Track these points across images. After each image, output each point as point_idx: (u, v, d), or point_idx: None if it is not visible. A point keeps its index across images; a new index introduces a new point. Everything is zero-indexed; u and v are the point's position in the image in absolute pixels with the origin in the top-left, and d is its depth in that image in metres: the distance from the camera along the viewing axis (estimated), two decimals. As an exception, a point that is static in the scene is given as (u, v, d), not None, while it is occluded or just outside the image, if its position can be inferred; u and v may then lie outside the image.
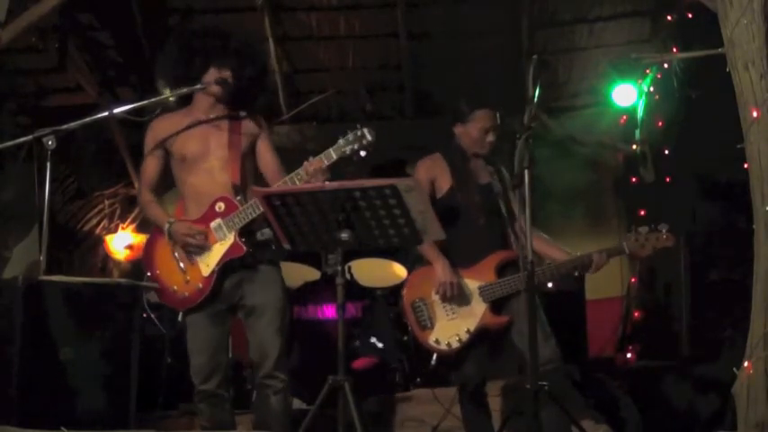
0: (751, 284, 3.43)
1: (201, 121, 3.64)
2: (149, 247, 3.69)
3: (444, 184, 3.91)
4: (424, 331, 3.83)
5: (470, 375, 3.85)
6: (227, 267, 3.55)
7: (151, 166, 3.68)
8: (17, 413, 3.46)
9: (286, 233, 3.14)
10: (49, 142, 3.49)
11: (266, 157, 3.69)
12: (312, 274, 6.04)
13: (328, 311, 5.66)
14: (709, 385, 4.83)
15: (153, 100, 3.83)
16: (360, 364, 5.44)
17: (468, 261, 3.82)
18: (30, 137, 3.53)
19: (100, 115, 3.80)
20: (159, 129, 3.66)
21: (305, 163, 3.44)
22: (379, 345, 5.52)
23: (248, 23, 6.70)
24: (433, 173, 3.92)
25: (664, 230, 3.71)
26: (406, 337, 5.61)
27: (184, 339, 3.68)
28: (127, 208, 7.84)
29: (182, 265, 3.56)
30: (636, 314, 6.85)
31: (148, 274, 3.67)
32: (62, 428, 3.29)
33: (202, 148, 3.59)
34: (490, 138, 3.87)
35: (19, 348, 3.55)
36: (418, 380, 5.49)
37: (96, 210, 7.74)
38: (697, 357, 5.67)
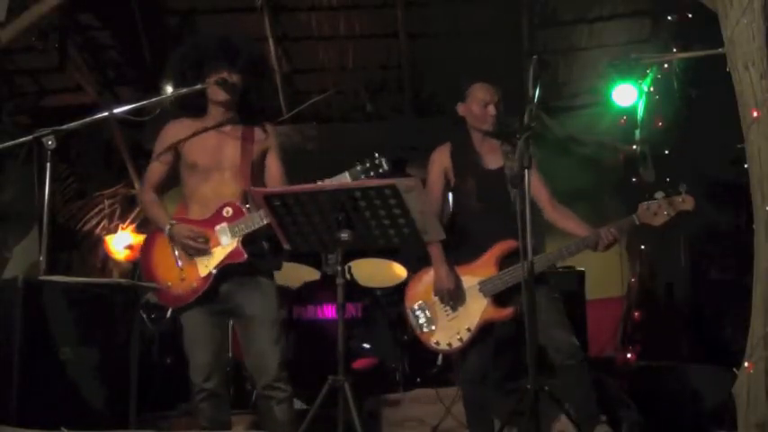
0: (751, 284, 3.43)
1: (215, 130, 3.66)
2: (147, 245, 3.70)
3: (454, 173, 3.92)
4: (424, 333, 3.86)
5: (472, 368, 3.86)
6: (225, 272, 3.55)
7: (159, 168, 3.71)
8: (17, 413, 3.46)
9: (286, 233, 3.14)
10: (49, 142, 3.50)
11: (272, 170, 3.73)
12: (312, 274, 6.04)
13: (328, 311, 5.65)
14: (710, 385, 4.83)
15: (153, 100, 3.84)
16: (360, 364, 5.44)
17: (469, 252, 3.82)
18: (30, 137, 3.53)
19: (100, 115, 3.81)
20: (172, 132, 3.68)
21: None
22: (379, 345, 5.52)
23: (248, 23, 6.70)
24: (444, 163, 3.93)
25: (683, 191, 3.58)
26: (406, 337, 5.61)
27: (173, 337, 3.69)
28: (127, 208, 7.84)
29: (179, 262, 3.57)
30: (636, 314, 6.85)
31: (144, 271, 3.67)
32: (62, 428, 3.29)
33: (215, 157, 3.62)
34: (491, 111, 3.83)
35: (19, 348, 3.55)
36: (418, 380, 5.49)
37: (96, 210, 7.74)
38: (697, 357, 5.67)
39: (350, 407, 2.95)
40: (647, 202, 3.62)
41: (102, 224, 7.78)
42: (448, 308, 3.82)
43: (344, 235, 3.00)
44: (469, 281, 3.81)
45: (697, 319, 6.14)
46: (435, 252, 3.81)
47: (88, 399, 3.69)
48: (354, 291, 5.65)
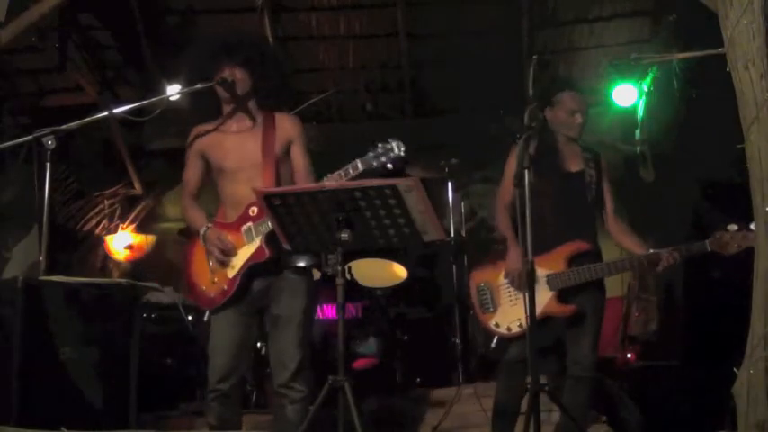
0: (751, 284, 3.43)
1: (234, 131, 3.66)
2: (189, 249, 3.72)
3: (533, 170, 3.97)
4: (485, 314, 3.92)
5: (516, 354, 3.85)
6: (253, 271, 3.54)
7: (190, 175, 3.72)
8: (17, 413, 3.46)
9: (286, 233, 3.14)
10: (49, 142, 3.50)
11: (297, 162, 3.69)
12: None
13: (328, 311, 5.65)
14: (710, 385, 4.83)
15: (153, 100, 3.84)
16: (360, 364, 5.44)
17: (539, 246, 3.81)
18: (30, 137, 3.53)
19: (100, 115, 3.81)
20: (197, 139, 3.69)
21: (328, 176, 3.43)
22: (379, 345, 5.52)
23: (248, 23, 6.70)
24: None
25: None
26: (406, 337, 5.61)
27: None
28: (127, 208, 7.85)
29: (211, 265, 3.59)
30: (636, 314, 6.85)
31: (185, 276, 3.71)
32: (62, 428, 3.29)
33: (239, 158, 3.61)
34: (579, 119, 3.91)
35: (19, 348, 3.55)
36: (418, 380, 5.49)
37: (96, 210, 7.75)
38: (697, 357, 5.67)
39: (350, 407, 2.95)
40: (721, 231, 3.68)
41: (102, 224, 7.79)
42: (512, 293, 3.87)
43: (344, 235, 3.00)
44: (539, 271, 3.78)
45: (696, 318, 6.14)
46: (511, 235, 3.88)
47: (88, 399, 3.69)
48: (354, 291, 5.64)
